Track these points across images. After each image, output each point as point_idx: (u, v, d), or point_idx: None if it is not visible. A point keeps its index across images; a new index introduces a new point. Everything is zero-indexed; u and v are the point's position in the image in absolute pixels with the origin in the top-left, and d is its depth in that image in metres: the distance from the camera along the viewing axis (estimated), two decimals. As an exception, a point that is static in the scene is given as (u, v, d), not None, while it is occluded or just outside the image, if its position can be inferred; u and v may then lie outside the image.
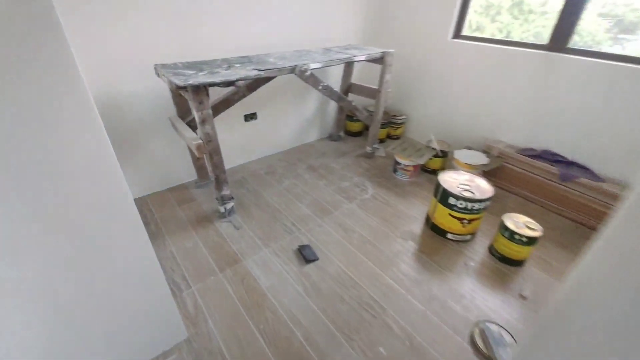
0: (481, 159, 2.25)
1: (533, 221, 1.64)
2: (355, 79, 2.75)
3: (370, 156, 2.75)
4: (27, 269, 0.77)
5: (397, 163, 2.42)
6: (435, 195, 1.82)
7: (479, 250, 1.78)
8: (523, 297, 1.51)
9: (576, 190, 1.96)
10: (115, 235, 0.88)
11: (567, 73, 1.98)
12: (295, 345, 1.27)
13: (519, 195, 2.27)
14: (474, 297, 1.50)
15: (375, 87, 2.47)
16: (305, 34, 2.41)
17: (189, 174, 2.31)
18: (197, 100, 1.50)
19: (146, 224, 1.89)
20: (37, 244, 0.75)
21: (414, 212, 2.08)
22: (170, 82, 1.46)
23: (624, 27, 1.89)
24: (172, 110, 1.97)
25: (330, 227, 1.91)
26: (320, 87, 2.07)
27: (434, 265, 1.66)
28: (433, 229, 1.89)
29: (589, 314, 0.49)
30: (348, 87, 2.71)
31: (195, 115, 1.55)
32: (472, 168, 2.21)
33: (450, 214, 1.75)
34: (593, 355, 0.49)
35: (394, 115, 3.01)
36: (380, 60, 2.30)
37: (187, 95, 1.53)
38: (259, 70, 1.66)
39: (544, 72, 2.07)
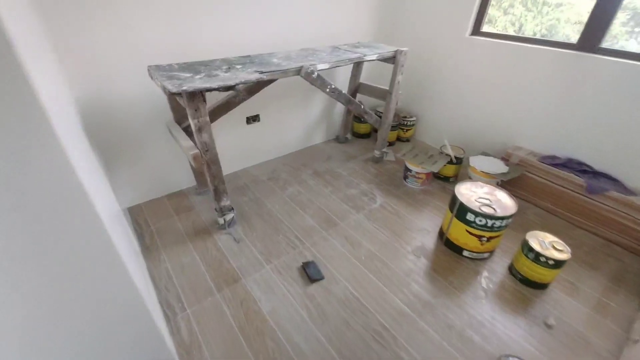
0: (500, 167, 2.09)
1: (560, 240, 1.50)
2: (363, 77, 2.58)
3: (378, 161, 2.60)
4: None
5: (408, 170, 2.27)
6: (451, 209, 1.68)
7: (497, 269, 1.64)
8: (548, 326, 1.37)
9: (605, 204, 1.79)
10: (86, 266, 0.76)
11: (598, 75, 1.80)
12: (298, 380, 1.16)
13: (540, 207, 2.10)
14: (494, 324, 1.37)
15: (385, 87, 2.31)
16: (311, 30, 2.25)
17: (188, 179, 2.19)
18: (192, 107, 1.37)
19: (141, 236, 1.78)
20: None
21: (426, 224, 1.94)
22: (163, 88, 1.33)
23: None
24: (170, 112, 1.84)
25: (336, 241, 1.79)
26: (328, 90, 1.92)
27: (449, 287, 1.53)
28: (447, 244, 1.75)
29: None
30: (356, 88, 2.55)
31: (191, 123, 1.42)
32: (489, 177, 2.06)
33: (467, 230, 1.61)
34: None
35: (404, 117, 2.85)
36: (392, 59, 2.14)
37: (182, 102, 1.40)
38: (261, 72, 1.53)
39: (572, 73, 1.89)
